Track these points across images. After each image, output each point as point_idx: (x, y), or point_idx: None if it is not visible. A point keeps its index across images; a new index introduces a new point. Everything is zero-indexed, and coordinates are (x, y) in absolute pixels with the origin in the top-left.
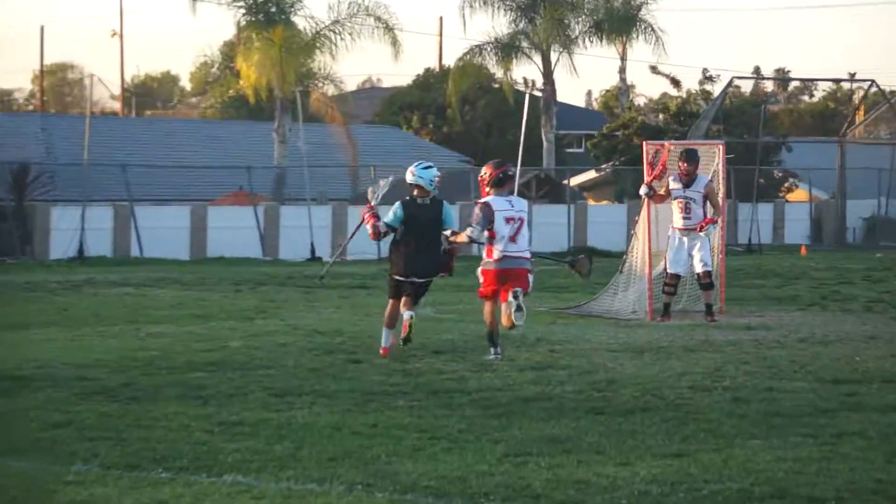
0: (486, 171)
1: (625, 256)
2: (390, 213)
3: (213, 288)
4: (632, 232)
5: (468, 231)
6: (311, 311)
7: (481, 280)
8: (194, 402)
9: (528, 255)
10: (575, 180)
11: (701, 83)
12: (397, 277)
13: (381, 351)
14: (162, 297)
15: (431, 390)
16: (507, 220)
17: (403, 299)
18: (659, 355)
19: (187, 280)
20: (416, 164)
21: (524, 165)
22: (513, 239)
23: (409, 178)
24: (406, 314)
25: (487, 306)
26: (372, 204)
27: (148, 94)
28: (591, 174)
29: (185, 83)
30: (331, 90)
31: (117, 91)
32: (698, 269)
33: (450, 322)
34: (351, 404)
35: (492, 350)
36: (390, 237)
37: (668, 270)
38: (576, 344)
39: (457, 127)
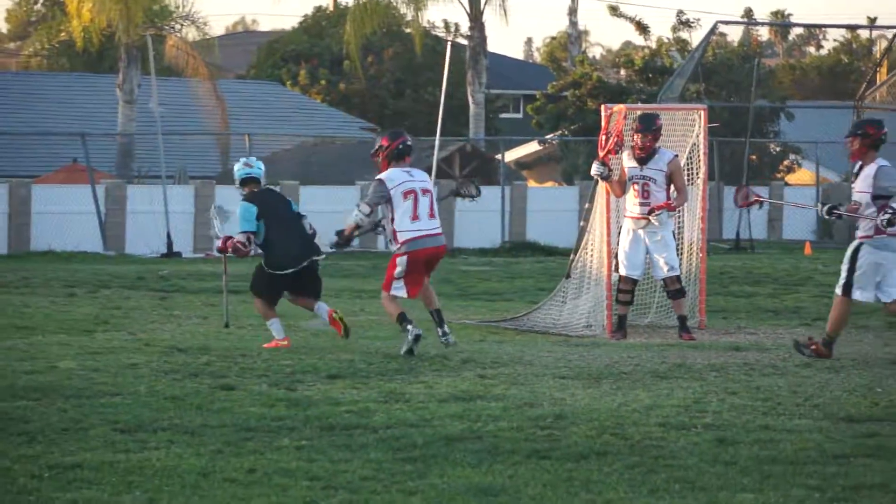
0: (381, 144)
1: (575, 255)
2: (240, 220)
3: (38, 291)
4: (582, 223)
5: (353, 213)
6: (169, 323)
7: (395, 271)
8: (17, 438)
9: (438, 231)
10: (511, 155)
11: (675, 29)
12: (279, 272)
13: (278, 343)
14: None
15: (326, 426)
16: (405, 193)
17: (304, 300)
18: (621, 383)
19: (5, 280)
20: (245, 158)
21: (445, 135)
22: (414, 216)
23: (243, 172)
24: (324, 308)
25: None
26: (220, 236)
27: None
28: (532, 147)
29: (0, 23)
30: (192, 34)
31: None
32: (663, 272)
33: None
34: (222, 443)
35: (409, 328)
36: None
37: (622, 273)
38: (513, 367)
39: (357, 84)
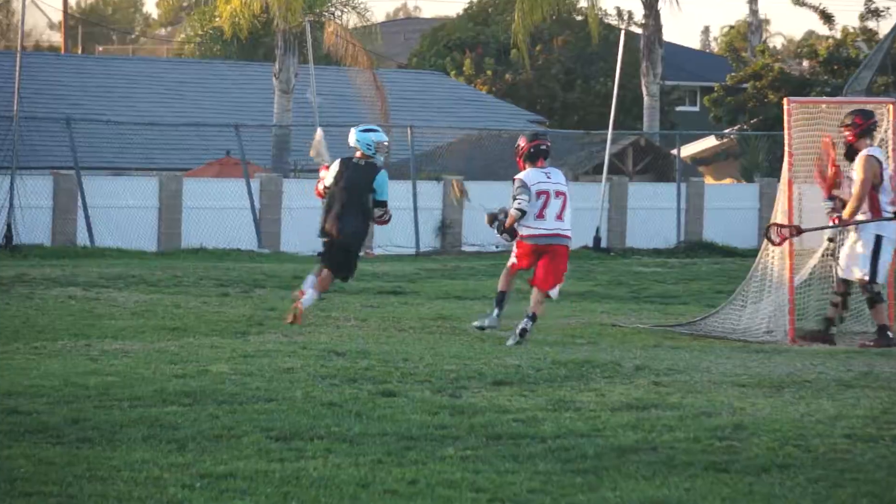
0: (520, 143)
1: (758, 257)
2: (329, 171)
3: (189, 290)
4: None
5: (515, 204)
6: (327, 325)
7: (515, 251)
8: (167, 446)
9: (561, 232)
10: (687, 150)
11: (862, 18)
12: (322, 238)
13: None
14: (121, 301)
15: (492, 435)
16: (538, 193)
17: (324, 272)
18: (804, 392)
19: (155, 279)
20: (358, 126)
21: (617, 129)
22: (540, 214)
23: (350, 139)
24: (304, 297)
25: (505, 274)
26: (327, 165)
27: (100, 24)
28: (709, 141)
29: (151, 9)
30: (352, 21)
31: (58, 18)
32: (857, 274)
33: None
34: (382, 453)
35: (495, 312)
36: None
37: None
38: (689, 375)
39: (525, 74)
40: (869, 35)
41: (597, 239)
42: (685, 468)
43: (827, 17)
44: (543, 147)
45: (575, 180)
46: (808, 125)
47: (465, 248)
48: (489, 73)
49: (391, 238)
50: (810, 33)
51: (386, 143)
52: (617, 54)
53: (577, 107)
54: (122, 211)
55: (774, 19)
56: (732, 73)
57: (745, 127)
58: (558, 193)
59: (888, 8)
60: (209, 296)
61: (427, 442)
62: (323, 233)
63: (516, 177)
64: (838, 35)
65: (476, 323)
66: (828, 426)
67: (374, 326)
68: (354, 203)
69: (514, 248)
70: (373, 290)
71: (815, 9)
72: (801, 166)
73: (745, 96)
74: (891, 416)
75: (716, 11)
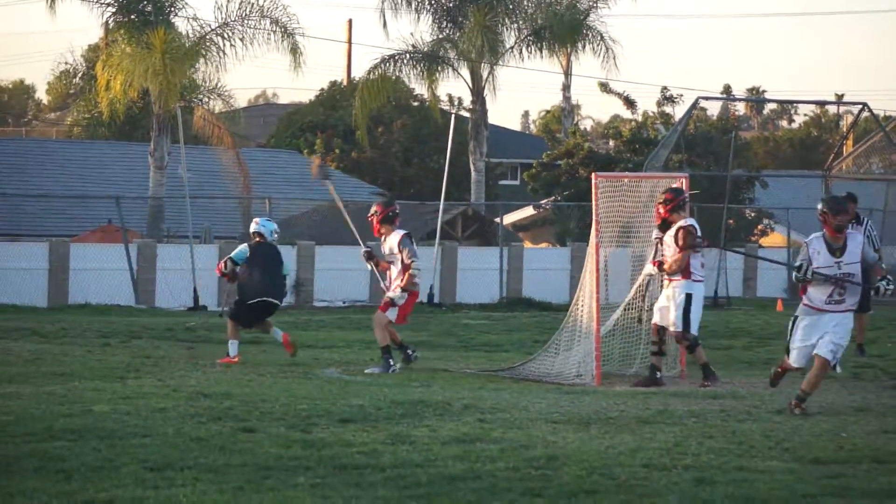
0: (375, 210)
1: (569, 311)
2: (235, 252)
3: (75, 341)
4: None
5: (416, 264)
6: (195, 370)
7: (399, 304)
8: (55, 476)
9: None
10: (509, 218)
11: (660, 104)
12: (250, 301)
13: (230, 360)
14: (15, 350)
15: (338, 465)
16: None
17: (265, 323)
18: (608, 427)
19: (45, 331)
20: (262, 217)
21: (448, 200)
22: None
23: (252, 227)
24: (279, 332)
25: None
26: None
27: None
28: (527, 211)
29: (42, 95)
30: (218, 106)
31: None
32: (670, 328)
33: (359, 385)
34: (243, 481)
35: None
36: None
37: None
38: (510, 413)
39: (369, 152)
40: (666, 118)
41: (430, 295)
42: (505, 493)
43: (630, 103)
44: (397, 211)
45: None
46: (612, 196)
47: (316, 304)
48: (337, 151)
49: None
50: (615, 117)
51: (278, 232)
52: (448, 135)
53: (414, 181)
54: (15, 272)
55: (585, 104)
56: (548, 152)
57: (558, 198)
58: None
59: (681, 95)
60: (92, 345)
61: (282, 472)
62: (253, 295)
63: (398, 237)
64: (640, 118)
65: (374, 370)
66: (628, 457)
67: (237, 371)
68: (273, 272)
69: (399, 302)
70: None
71: (619, 95)
72: (606, 232)
73: (559, 171)
74: (682, 448)
75: (534, 97)
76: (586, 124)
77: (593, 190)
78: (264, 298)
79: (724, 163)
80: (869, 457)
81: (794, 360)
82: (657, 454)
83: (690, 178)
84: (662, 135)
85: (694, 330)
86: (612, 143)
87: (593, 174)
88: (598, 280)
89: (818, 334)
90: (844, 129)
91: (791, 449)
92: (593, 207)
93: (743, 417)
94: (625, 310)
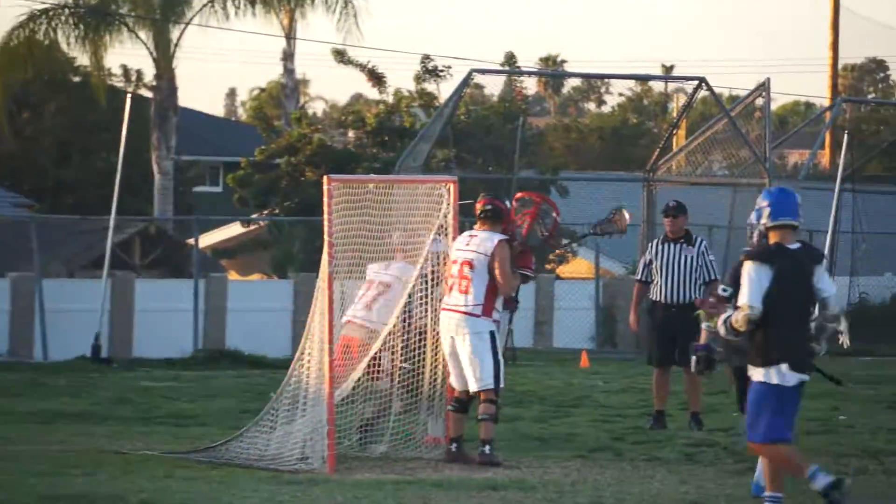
0: None
1: (290, 369)
2: None
3: None
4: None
5: None
6: None
7: None
8: None
9: None
10: (207, 239)
11: (419, 80)
12: None
13: None
14: None
15: None
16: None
17: None
18: None
19: None
20: None
21: (122, 214)
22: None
23: None
24: None
25: None
26: None
27: None
28: (234, 229)
29: None
30: None
31: None
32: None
33: None
34: None
35: None
36: None
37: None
38: None
39: (7, 145)
40: (427, 100)
41: (96, 347)
42: None
43: (377, 79)
44: None
45: (70, 276)
46: (352, 208)
47: None
48: None
49: None
50: (357, 97)
51: None
52: (122, 123)
53: (74, 187)
54: None
55: (315, 80)
56: (263, 147)
57: (277, 211)
58: None
59: (449, 67)
60: None
61: None
62: None
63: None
64: (390, 99)
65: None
66: None
67: None
68: None
69: None
70: None
71: (363, 68)
72: (343, 258)
73: (277, 174)
74: None
75: (244, 71)
76: (316, 108)
77: (325, 199)
78: None
79: (507, 161)
80: None
81: None
82: None
83: (461, 183)
84: (422, 122)
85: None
86: (351, 133)
87: (326, 177)
88: (331, 324)
89: None
90: (675, 115)
91: None
92: (325, 223)
93: None
94: (369, 366)
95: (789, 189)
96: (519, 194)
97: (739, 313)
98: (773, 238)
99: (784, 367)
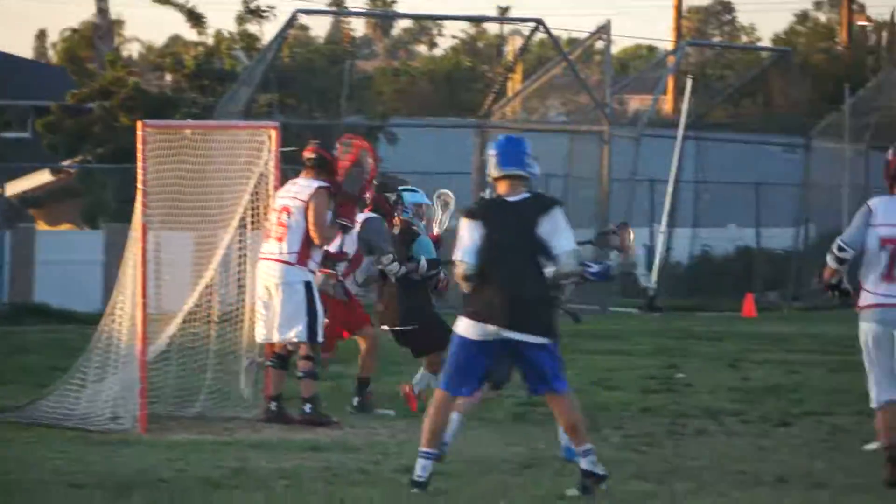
0: None
1: (101, 324)
2: None
3: None
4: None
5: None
6: None
7: None
8: None
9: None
10: (14, 187)
11: (240, 21)
12: None
13: None
14: None
15: None
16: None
17: None
18: (158, 496)
19: None
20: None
21: None
22: None
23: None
24: None
25: None
26: None
27: None
28: (43, 177)
29: None
30: None
31: None
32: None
33: None
34: None
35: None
36: None
37: None
38: (6, 477)
39: None
40: (249, 42)
41: None
42: None
43: (196, 19)
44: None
45: None
46: (168, 155)
47: None
48: None
49: None
50: (175, 39)
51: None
52: None
53: None
54: None
55: (130, 21)
56: (74, 91)
57: (89, 158)
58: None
59: (273, 8)
60: None
61: None
62: None
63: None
64: (210, 41)
65: None
66: None
67: None
68: None
69: None
70: None
71: (181, 7)
72: (158, 207)
73: (89, 119)
74: None
75: (54, 11)
76: (132, 50)
77: (140, 146)
78: None
79: (333, 107)
80: None
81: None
82: None
83: (284, 129)
84: (244, 65)
85: (321, 336)
86: (169, 77)
87: (140, 123)
88: (145, 277)
89: None
90: (510, 58)
91: None
92: (139, 171)
93: (356, 478)
94: (185, 322)
95: (518, 138)
96: (346, 137)
97: (456, 269)
98: (500, 189)
99: (472, 321)
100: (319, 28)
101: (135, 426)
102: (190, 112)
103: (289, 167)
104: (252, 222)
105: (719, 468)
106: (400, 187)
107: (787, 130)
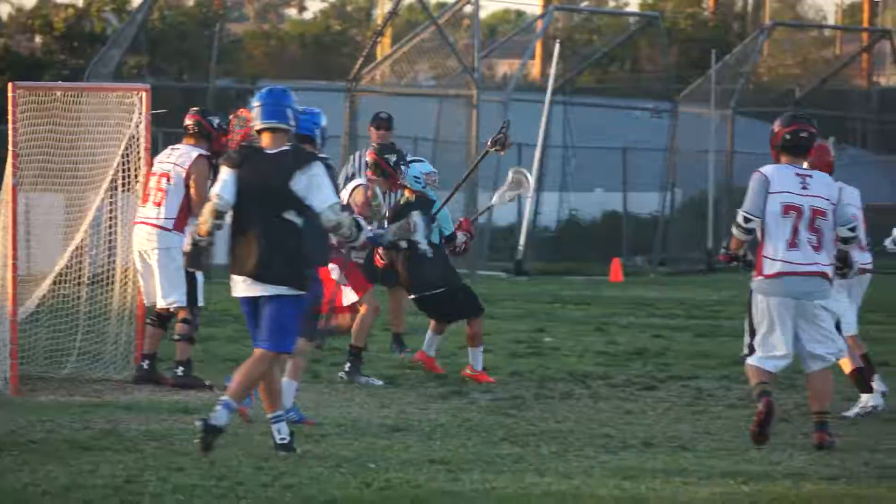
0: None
1: None
2: None
3: None
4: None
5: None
6: None
7: None
8: None
9: None
10: None
11: None
12: None
13: None
14: None
15: None
16: None
17: None
18: (28, 456)
19: None
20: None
21: None
22: None
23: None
24: None
25: None
26: None
27: None
28: None
29: None
30: None
31: None
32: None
33: None
34: None
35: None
36: None
37: None
38: None
39: None
40: (120, 4)
41: None
42: None
43: None
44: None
45: None
46: (38, 117)
47: None
48: None
49: None
50: (45, 1)
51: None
52: None
53: None
54: None
55: None
56: None
57: None
58: None
59: None
60: None
61: None
62: None
63: None
64: (80, 3)
65: None
66: (59, 499)
67: None
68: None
69: None
70: None
71: None
72: (29, 169)
73: None
74: (138, 485)
75: None
76: (1, 11)
77: (10, 107)
78: None
79: (204, 70)
80: (409, 497)
81: None
82: (100, 494)
83: (154, 91)
84: (114, 28)
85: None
86: (39, 38)
87: (10, 84)
88: (15, 239)
89: None
90: (379, 22)
91: (295, 487)
92: (10, 133)
93: (227, 441)
94: (55, 283)
95: (282, 89)
96: (241, 111)
97: (207, 206)
98: (263, 141)
99: (232, 275)
100: None
101: (5, 387)
102: (60, 74)
103: (159, 130)
104: (123, 184)
105: (586, 431)
106: (409, 157)
107: (654, 95)
